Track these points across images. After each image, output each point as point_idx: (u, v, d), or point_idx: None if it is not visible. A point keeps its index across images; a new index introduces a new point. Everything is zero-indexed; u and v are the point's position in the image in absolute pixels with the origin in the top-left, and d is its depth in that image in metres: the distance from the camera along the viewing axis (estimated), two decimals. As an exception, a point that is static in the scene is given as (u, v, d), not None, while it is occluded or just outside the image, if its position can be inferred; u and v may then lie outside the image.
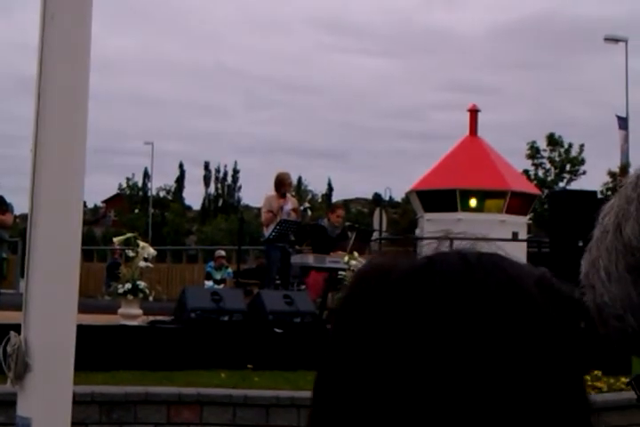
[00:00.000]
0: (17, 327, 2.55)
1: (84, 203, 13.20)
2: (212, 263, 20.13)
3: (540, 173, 45.78)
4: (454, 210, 26.70)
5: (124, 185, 68.36)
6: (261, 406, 8.18)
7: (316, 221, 14.55)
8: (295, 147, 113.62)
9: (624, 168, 30.29)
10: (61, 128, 2.58)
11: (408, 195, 31.73)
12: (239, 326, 9.64)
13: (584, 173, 45.47)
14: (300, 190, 61.45)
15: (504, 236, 21.73)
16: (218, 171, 72.04)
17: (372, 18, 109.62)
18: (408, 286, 0.71)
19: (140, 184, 68.02)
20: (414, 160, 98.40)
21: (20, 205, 15.04)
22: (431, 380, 0.68)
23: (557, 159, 45.64)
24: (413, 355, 0.69)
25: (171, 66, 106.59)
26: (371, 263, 0.77)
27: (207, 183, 71.68)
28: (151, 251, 10.17)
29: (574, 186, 42.55)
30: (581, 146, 45.40)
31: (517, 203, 27.17)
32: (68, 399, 2.56)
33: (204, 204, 71.82)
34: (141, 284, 9.81)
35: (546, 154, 45.84)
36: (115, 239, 11.48)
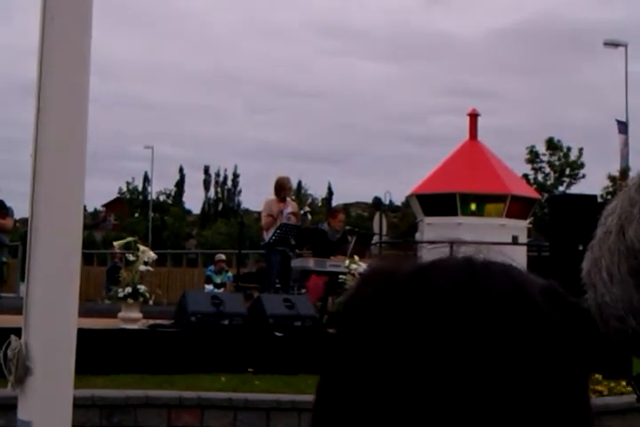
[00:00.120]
0: (17, 331, 2.55)
1: (84, 207, 13.21)
2: (212, 267, 20.11)
3: (540, 177, 45.88)
4: (454, 214, 26.71)
5: (125, 189, 68.43)
6: (262, 409, 8.17)
7: (316, 225, 14.54)
8: (295, 151, 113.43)
9: (624, 172, 30.31)
10: (61, 131, 2.58)
11: (408, 199, 31.72)
12: (239, 329, 9.64)
13: (583, 176, 45.63)
14: (300, 194, 61.39)
15: (504, 240, 21.72)
16: (218, 175, 72.14)
17: (373, 22, 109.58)
18: (412, 290, 0.71)
19: (140, 188, 68.04)
20: (414, 164, 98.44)
21: (20, 209, 15.02)
22: (435, 384, 0.68)
23: (557, 163, 45.72)
24: (416, 359, 0.69)
25: (171, 70, 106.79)
26: (374, 267, 0.77)
27: (207, 187, 71.73)
28: (151, 255, 10.18)
29: (574, 190, 42.72)
30: (580, 150, 45.61)
31: (517, 207, 27.17)
32: (68, 403, 2.55)
33: (203, 208, 71.82)
34: (141, 288, 9.82)
35: (545, 158, 45.95)
36: (115, 243, 11.47)
